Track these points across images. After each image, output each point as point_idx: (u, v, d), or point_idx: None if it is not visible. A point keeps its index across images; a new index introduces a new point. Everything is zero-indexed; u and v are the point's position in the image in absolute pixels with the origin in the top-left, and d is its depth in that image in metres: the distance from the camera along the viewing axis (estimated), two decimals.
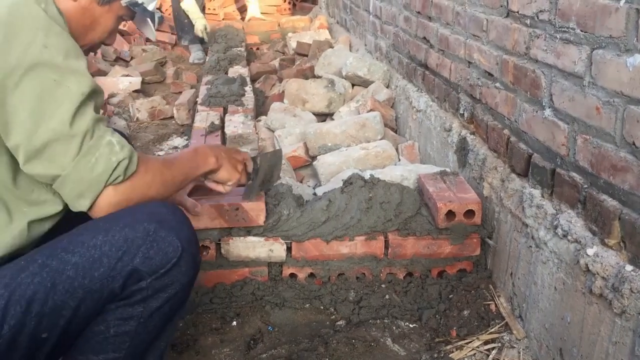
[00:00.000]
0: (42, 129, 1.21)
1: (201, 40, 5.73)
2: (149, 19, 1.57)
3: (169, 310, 1.34)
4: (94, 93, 1.29)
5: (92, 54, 4.93)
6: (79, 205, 1.28)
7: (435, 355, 1.73)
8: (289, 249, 1.95)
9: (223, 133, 2.98)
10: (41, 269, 1.23)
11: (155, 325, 1.34)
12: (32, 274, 1.22)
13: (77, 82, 1.25)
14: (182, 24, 5.69)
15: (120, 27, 6.31)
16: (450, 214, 1.91)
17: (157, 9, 1.56)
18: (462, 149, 2.24)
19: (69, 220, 1.35)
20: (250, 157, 1.77)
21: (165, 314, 1.33)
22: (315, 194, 2.34)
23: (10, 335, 1.20)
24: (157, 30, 6.53)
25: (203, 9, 5.93)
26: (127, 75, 4.71)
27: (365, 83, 3.47)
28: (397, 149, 2.82)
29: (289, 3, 8.13)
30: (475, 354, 1.72)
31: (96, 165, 1.25)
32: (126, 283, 1.26)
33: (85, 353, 1.32)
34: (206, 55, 5.66)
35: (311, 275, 1.98)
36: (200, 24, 5.59)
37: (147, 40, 6.25)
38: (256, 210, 1.90)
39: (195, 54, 5.68)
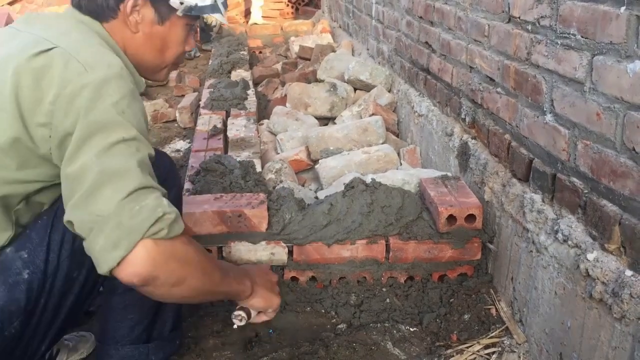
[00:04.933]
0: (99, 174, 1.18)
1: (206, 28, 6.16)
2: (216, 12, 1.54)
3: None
4: (152, 159, 1.29)
5: None
6: (110, 258, 1.16)
7: (436, 359, 1.73)
8: (290, 253, 1.96)
9: (225, 136, 2.99)
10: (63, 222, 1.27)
11: None
12: (58, 229, 1.33)
13: (144, 146, 1.26)
14: None
15: None
16: (451, 219, 1.91)
17: None
18: (464, 153, 2.25)
19: None
20: None
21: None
22: (316, 197, 2.34)
23: (61, 284, 1.35)
24: None
25: None
26: None
27: (367, 87, 3.48)
28: (398, 153, 2.82)
29: (292, 7, 8.15)
30: (475, 358, 1.73)
31: (140, 211, 1.17)
32: None
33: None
34: (197, 50, 6.06)
35: (312, 278, 1.99)
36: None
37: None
38: (259, 217, 1.91)
39: None
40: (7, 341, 1.31)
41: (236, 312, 1.53)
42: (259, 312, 1.58)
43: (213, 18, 5.91)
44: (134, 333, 1.53)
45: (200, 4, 1.46)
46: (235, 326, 1.53)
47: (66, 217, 1.20)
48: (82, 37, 1.33)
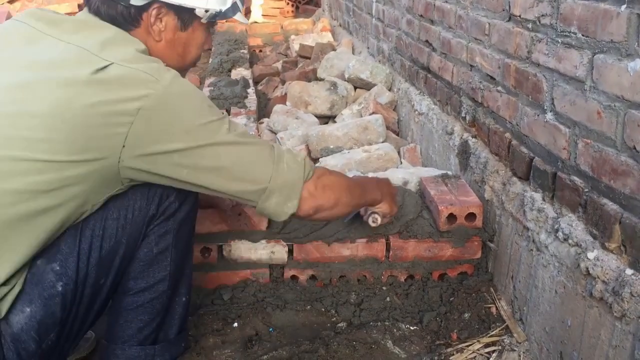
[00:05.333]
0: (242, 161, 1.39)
1: None
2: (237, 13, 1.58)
3: (190, 224, 1.59)
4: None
5: None
6: (288, 208, 1.44)
7: (436, 358, 1.73)
8: (290, 251, 1.96)
9: None
10: (90, 229, 1.38)
11: (184, 241, 1.56)
12: (86, 238, 1.38)
13: (235, 123, 1.41)
14: None
15: None
16: (451, 217, 1.91)
17: None
18: (464, 152, 2.25)
19: None
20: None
21: (187, 227, 1.57)
22: None
23: (90, 292, 1.39)
24: None
25: None
26: None
27: (367, 86, 3.48)
28: (399, 152, 2.82)
29: (292, 5, 8.15)
30: (475, 356, 1.73)
31: (289, 167, 1.42)
32: (159, 202, 1.47)
33: (137, 279, 1.50)
34: None
35: (312, 277, 1.99)
36: None
37: None
38: (259, 215, 1.91)
39: None
40: (44, 352, 1.33)
41: (373, 215, 1.79)
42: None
43: None
44: (142, 334, 1.54)
45: (223, 8, 1.49)
46: (372, 224, 1.80)
47: (228, 193, 1.41)
48: (125, 50, 1.35)
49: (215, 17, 1.48)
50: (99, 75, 1.26)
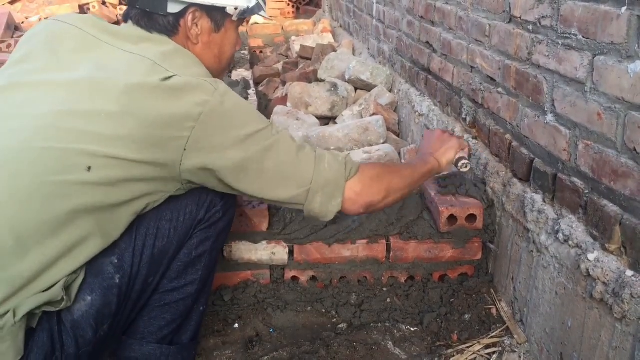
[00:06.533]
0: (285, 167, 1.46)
1: None
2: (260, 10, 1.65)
3: (225, 237, 1.66)
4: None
5: None
6: (333, 207, 1.50)
7: (436, 359, 1.73)
8: (291, 252, 1.96)
9: None
10: (144, 227, 1.45)
11: (217, 251, 1.64)
12: (141, 235, 1.44)
13: (275, 124, 1.47)
14: None
15: None
16: (452, 218, 1.91)
17: None
18: None
19: None
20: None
21: (224, 237, 1.65)
22: None
23: (139, 289, 1.45)
24: None
25: None
26: None
27: (368, 87, 3.48)
28: (399, 153, 2.82)
29: (293, 7, 8.15)
30: (476, 358, 1.73)
31: (331, 166, 1.48)
32: (207, 209, 1.54)
33: (171, 278, 1.54)
34: None
35: (313, 278, 1.99)
36: None
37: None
38: (259, 216, 1.91)
39: None
40: (97, 342, 1.38)
41: (461, 162, 1.85)
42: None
43: None
44: (162, 333, 1.57)
45: (250, 5, 1.58)
46: (464, 169, 1.87)
47: (277, 198, 1.47)
48: (184, 61, 1.44)
49: (244, 14, 1.57)
50: (166, 82, 1.33)
